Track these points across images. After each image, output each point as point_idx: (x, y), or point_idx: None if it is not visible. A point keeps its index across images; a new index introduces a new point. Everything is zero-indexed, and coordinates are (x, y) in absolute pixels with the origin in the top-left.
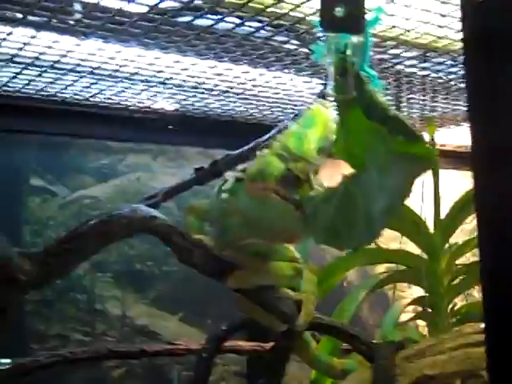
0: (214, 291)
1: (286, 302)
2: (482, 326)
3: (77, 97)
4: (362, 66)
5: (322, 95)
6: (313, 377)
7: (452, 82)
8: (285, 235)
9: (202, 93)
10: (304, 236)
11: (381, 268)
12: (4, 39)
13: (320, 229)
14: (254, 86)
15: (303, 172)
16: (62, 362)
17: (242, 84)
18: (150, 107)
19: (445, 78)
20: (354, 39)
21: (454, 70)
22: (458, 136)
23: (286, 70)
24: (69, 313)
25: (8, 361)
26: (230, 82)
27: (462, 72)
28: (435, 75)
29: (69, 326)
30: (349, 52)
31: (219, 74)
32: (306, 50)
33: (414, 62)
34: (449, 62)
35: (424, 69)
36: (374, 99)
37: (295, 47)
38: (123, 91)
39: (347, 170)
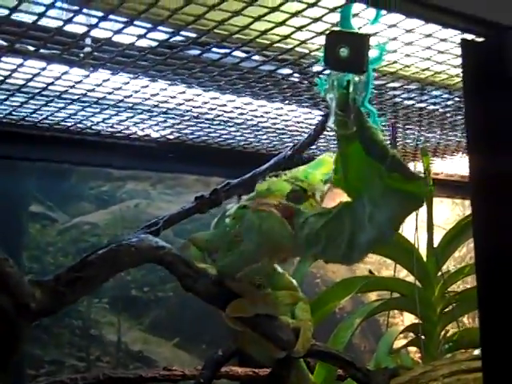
0: (208, 317)
1: (284, 329)
2: (475, 352)
3: (80, 125)
4: (364, 102)
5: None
6: None
7: (447, 115)
8: (281, 252)
9: (203, 122)
10: (294, 252)
11: (372, 295)
12: (14, 70)
13: (304, 239)
14: (254, 116)
15: (309, 189)
16: None
17: (243, 114)
18: (150, 136)
19: (441, 110)
20: (357, 77)
21: (449, 103)
22: (450, 165)
23: (286, 102)
24: (64, 338)
25: None
26: (231, 112)
27: (456, 105)
28: (431, 107)
29: (64, 352)
30: (351, 89)
31: (221, 105)
32: (307, 83)
33: (411, 94)
34: (445, 96)
35: (421, 101)
36: (373, 137)
37: (297, 80)
38: (125, 120)
39: (345, 198)
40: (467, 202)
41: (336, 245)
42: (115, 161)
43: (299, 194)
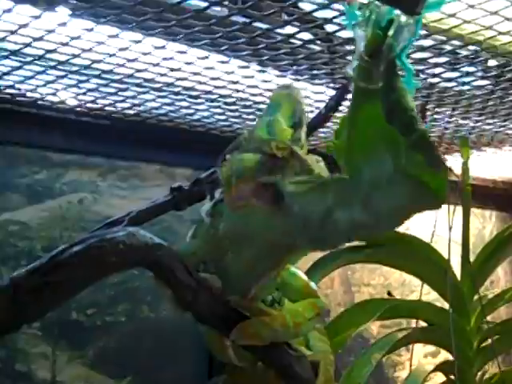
0: (168, 350)
1: (303, 363)
2: None
3: (10, 91)
4: (401, 54)
5: None
6: None
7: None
8: (290, 252)
9: (165, 93)
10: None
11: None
12: None
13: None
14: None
15: (281, 149)
16: None
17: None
18: (101, 109)
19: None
20: (403, 17)
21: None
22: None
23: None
24: None
25: None
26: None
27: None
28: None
29: None
30: (391, 31)
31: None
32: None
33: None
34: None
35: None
36: (402, 101)
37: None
38: (70, 87)
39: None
40: (487, 213)
41: (309, 224)
42: (55, 141)
43: (272, 162)
